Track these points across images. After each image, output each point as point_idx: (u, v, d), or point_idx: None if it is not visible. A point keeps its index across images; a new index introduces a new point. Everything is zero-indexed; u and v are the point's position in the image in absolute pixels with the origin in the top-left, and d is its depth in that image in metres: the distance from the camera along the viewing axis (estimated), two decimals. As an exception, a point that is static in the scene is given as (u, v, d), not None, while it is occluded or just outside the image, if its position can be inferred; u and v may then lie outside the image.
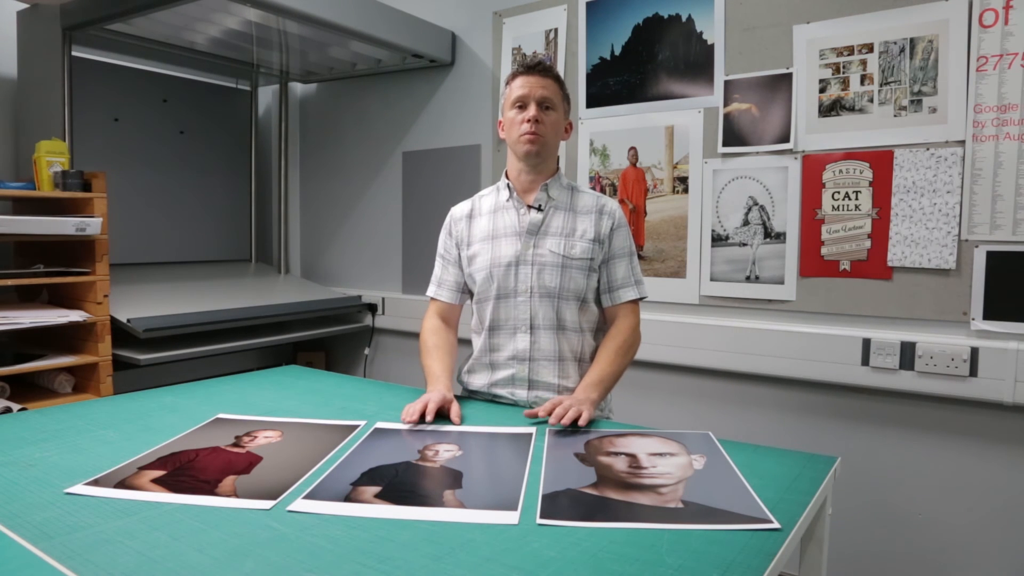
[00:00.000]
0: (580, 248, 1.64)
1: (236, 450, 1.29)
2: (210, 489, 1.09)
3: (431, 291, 1.79)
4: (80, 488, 1.09)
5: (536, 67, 1.63)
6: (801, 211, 2.21)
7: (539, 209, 1.66)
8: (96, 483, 1.11)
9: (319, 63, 3.22)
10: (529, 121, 1.60)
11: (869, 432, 2.15)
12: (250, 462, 1.22)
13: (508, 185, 1.71)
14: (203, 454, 1.26)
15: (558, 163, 1.73)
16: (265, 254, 3.73)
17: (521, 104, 1.62)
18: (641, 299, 1.71)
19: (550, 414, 1.44)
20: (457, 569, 0.84)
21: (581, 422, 1.42)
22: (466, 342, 1.79)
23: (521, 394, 1.65)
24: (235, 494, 1.07)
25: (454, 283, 1.76)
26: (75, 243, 2.49)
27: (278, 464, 1.22)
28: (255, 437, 1.37)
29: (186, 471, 1.18)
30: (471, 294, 1.75)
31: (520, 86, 1.62)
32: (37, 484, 1.10)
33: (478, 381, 1.72)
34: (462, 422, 1.47)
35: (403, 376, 3.25)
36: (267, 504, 1.03)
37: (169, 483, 1.12)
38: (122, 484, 1.11)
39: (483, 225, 1.71)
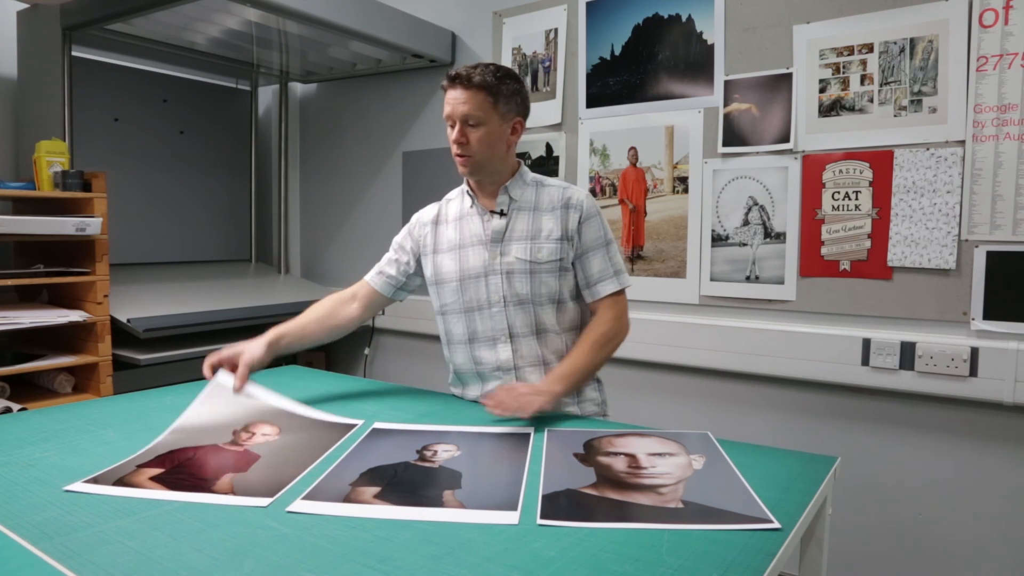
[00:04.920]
0: (547, 251, 1.57)
1: (234, 448, 1.29)
2: (207, 487, 1.10)
3: (367, 276, 1.76)
4: (79, 486, 1.09)
5: (455, 79, 1.52)
6: (801, 211, 2.21)
7: (501, 214, 1.61)
8: (95, 480, 1.12)
9: (319, 63, 3.22)
10: (454, 142, 1.55)
11: (869, 432, 2.15)
12: (248, 460, 1.23)
13: (468, 191, 1.66)
14: (201, 452, 1.26)
15: (517, 162, 1.65)
16: (265, 254, 3.73)
17: (449, 122, 1.55)
18: (623, 289, 1.62)
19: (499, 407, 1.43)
20: (457, 569, 0.84)
21: (523, 415, 1.41)
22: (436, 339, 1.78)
23: None
24: (232, 492, 1.08)
25: (394, 278, 1.73)
26: (75, 243, 2.49)
27: (276, 463, 1.22)
28: (253, 434, 1.37)
29: (184, 469, 1.18)
30: (402, 295, 1.76)
31: (446, 102, 1.54)
32: (37, 484, 1.10)
33: (472, 393, 1.69)
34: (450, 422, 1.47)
35: (403, 376, 3.25)
36: (264, 502, 1.04)
37: (167, 481, 1.12)
38: (121, 482, 1.11)
39: (449, 234, 1.65)
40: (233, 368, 1.55)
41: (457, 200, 1.70)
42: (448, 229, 1.67)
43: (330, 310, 1.74)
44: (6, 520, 0.96)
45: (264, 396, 1.54)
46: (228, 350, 1.56)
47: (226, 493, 1.07)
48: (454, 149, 1.56)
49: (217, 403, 1.48)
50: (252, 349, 1.57)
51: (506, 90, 1.55)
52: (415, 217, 1.75)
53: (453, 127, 1.54)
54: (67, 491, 1.07)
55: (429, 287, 1.71)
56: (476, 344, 1.64)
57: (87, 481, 1.11)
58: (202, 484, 1.11)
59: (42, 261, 2.53)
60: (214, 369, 1.55)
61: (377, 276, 1.76)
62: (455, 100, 1.52)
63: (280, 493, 1.07)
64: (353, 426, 1.44)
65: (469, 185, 1.66)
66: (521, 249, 1.58)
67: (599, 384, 1.71)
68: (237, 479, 1.14)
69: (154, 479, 1.13)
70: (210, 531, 0.94)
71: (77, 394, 2.52)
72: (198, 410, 1.46)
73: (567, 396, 1.57)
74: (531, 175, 1.66)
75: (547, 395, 1.46)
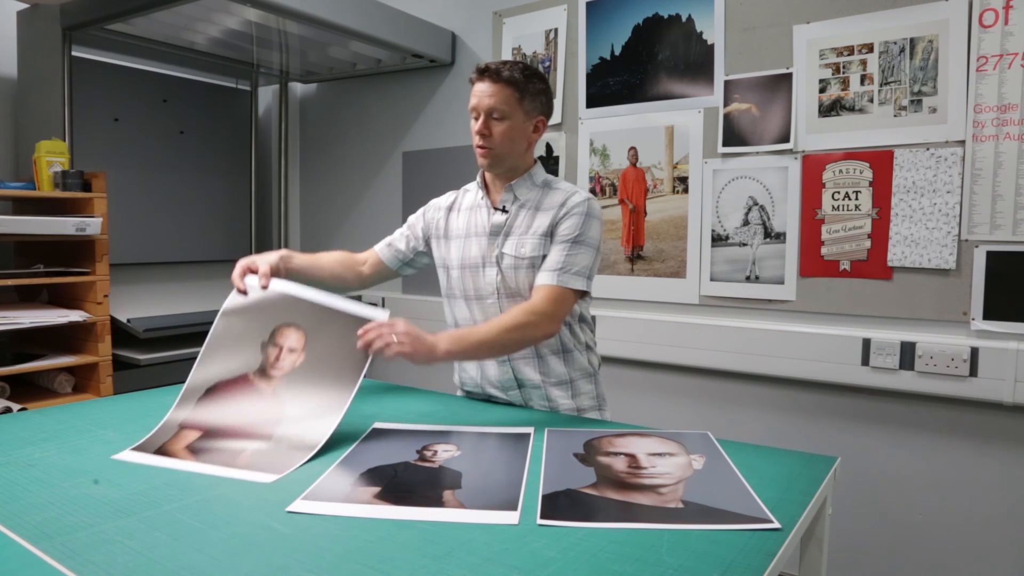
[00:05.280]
0: (530, 246, 1.58)
1: (263, 385, 1.39)
2: (231, 460, 1.21)
3: (376, 246, 1.82)
4: (127, 455, 1.24)
5: (485, 72, 1.55)
6: (801, 211, 2.21)
7: (503, 210, 1.63)
8: (141, 448, 1.27)
9: (319, 63, 3.22)
10: (477, 133, 1.57)
11: (869, 432, 2.15)
12: (276, 413, 1.33)
13: (478, 184, 1.69)
14: (233, 405, 1.37)
15: (534, 161, 1.67)
16: (265, 254, 3.72)
17: (474, 114, 1.58)
18: (566, 289, 1.53)
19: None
20: (457, 569, 0.84)
21: (383, 355, 1.36)
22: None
23: (515, 394, 1.65)
24: (249, 467, 1.19)
25: (402, 253, 1.78)
26: (75, 243, 2.49)
27: (301, 411, 1.33)
28: (280, 348, 1.44)
29: (217, 432, 1.31)
30: (407, 271, 1.80)
31: (473, 93, 1.57)
32: (37, 484, 1.10)
33: (471, 378, 1.70)
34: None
35: (403, 376, 3.25)
36: (269, 478, 1.14)
37: (198, 450, 1.26)
38: (161, 451, 1.26)
39: (461, 223, 1.69)
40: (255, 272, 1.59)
41: (473, 191, 1.73)
42: (459, 218, 1.70)
43: (344, 260, 1.79)
44: (6, 520, 0.96)
45: (288, 289, 1.55)
46: (245, 259, 1.61)
47: (244, 468, 1.18)
48: (476, 140, 1.58)
49: (247, 301, 1.55)
50: (267, 255, 1.62)
51: (532, 88, 1.57)
52: (432, 201, 1.79)
53: (477, 119, 1.57)
54: (114, 459, 1.22)
55: (438, 269, 1.74)
56: None
57: (134, 448, 1.26)
58: (227, 457, 1.23)
59: (42, 261, 2.53)
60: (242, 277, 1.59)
61: (386, 248, 1.81)
62: (482, 92, 1.55)
63: (289, 471, 1.17)
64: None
65: (483, 178, 1.69)
66: (511, 245, 1.61)
67: (595, 378, 1.71)
68: (257, 455, 1.23)
69: (189, 447, 1.27)
70: (210, 531, 0.94)
71: (77, 394, 2.53)
72: (231, 307, 1.54)
73: (448, 360, 1.50)
74: (542, 176, 1.67)
75: (421, 347, 1.40)
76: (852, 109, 2.12)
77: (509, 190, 1.63)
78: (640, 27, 2.51)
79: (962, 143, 1.96)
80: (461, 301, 1.66)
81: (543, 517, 0.99)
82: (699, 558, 0.87)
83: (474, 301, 1.64)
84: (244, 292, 1.56)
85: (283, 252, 1.66)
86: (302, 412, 1.33)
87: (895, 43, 2.05)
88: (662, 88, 2.47)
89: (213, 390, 1.41)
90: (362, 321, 1.42)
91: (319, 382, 1.38)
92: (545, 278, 1.55)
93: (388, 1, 2.81)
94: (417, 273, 1.84)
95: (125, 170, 3.07)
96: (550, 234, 1.58)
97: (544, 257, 1.58)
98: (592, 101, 2.63)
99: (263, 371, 1.42)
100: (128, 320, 2.49)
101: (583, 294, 1.58)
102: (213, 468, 1.18)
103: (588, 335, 1.71)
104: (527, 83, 1.56)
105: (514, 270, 1.60)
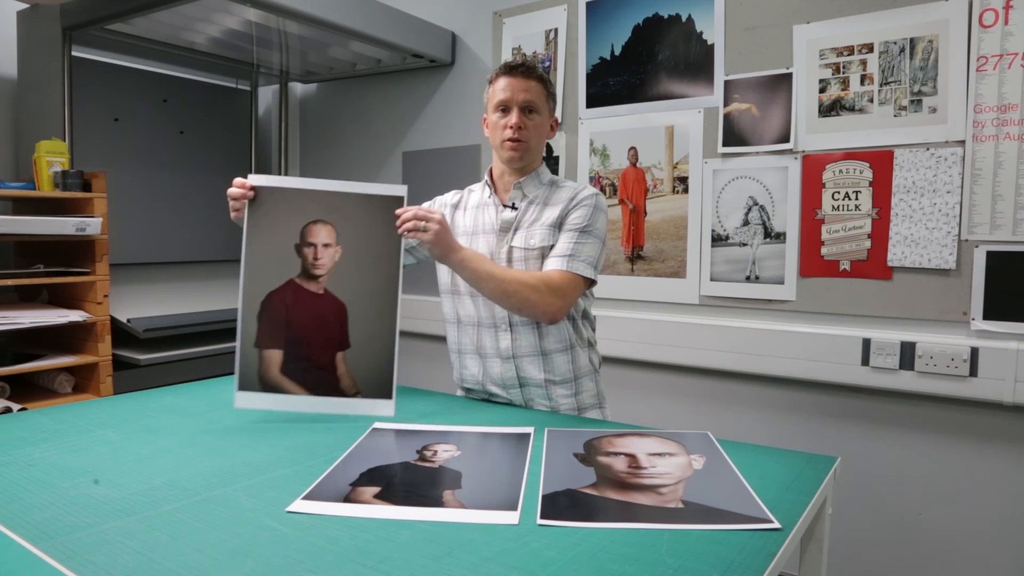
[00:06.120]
0: (539, 236, 1.60)
1: (312, 289, 1.45)
2: (335, 385, 1.42)
3: None
4: (243, 400, 1.42)
5: (518, 68, 1.59)
6: (801, 211, 2.21)
7: (512, 207, 1.65)
8: (245, 387, 1.42)
9: (319, 63, 3.22)
10: (512, 127, 1.58)
11: (869, 432, 2.15)
12: (336, 310, 1.44)
13: (487, 183, 1.71)
14: (292, 311, 1.44)
15: (542, 160, 1.71)
16: (265, 254, 3.72)
17: (504, 108, 1.60)
18: (573, 274, 1.55)
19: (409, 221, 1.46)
20: (457, 569, 0.84)
21: (408, 235, 1.45)
22: (440, 339, 1.79)
23: (516, 393, 1.65)
24: (358, 391, 1.42)
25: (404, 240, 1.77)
26: (75, 243, 2.49)
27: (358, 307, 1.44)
28: (314, 247, 1.46)
29: (299, 349, 1.43)
30: (407, 259, 1.75)
31: (502, 89, 1.60)
32: (37, 484, 1.10)
33: (472, 376, 1.70)
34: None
35: (403, 376, 3.24)
36: (388, 409, 1.42)
37: (294, 373, 1.42)
38: (266, 385, 1.42)
39: (466, 220, 1.71)
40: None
41: (478, 191, 1.75)
42: (466, 216, 1.72)
43: None
44: (6, 520, 0.96)
45: (295, 183, 1.54)
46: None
47: (352, 395, 1.41)
48: (508, 134, 1.59)
49: (264, 209, 1.53)
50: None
51: (552, 90, 1.67)
52: (437, 198, 1.80)
53: (505, 113, 1.60)
54: (238, 408, 1.41)
55: (439, 266, 1.72)
56: (481, 328, 1.67)
57: (241, 390, 1.42)
58: (328, 381, 1.41)
59: (42, 261, 2.53)
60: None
61: None
62: (516, 87, 1.59)
63: (394, 394, 1.45)
64: (400, 198, 1.48)
65: (491, 177, 1.70)
66: (521, 238, 1.63)
67: (596, 375, 1.72)
68: (356, 373, 1.42)
69: (283, 372, 1.41)
70: (210, 531, 0.94)
71: (77, 394, 2.53)
72: (252, 221, 1.53)
73: (457, 266, 1.52)
74: (548, 176, 1.70)
75: (443, 240, 1.47)
76: (852, 109, 2.12)
77: (518, 187, 1.65)
78: (640, 27, 2.51)
79: (962, 143, 1.96)
80: (467, 297, 1.67)
81: (543, 517, 0.99)
82: (699, 558, 0.87)
83: (480, 298, 1.64)
84: (253, 189, 1.55)
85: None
86: (362, 306, 1.44)
87: (895, 43, 2.05)
88: (662, 88, 2.47)
89: (268, 302, 1.44)
90: (384, 201, 1.47)
91: (364, 271, 1.44)
92: (555, 263, 1.57)
93: (388, 1, 2.81)
94: (416, 264, 1.78)
95: (125, 170, 3.07)
96: (559, 225, 1.60)
97: (552, 247, 1.60)
98: (592, 101, 2.63)
99: (306, 272, 1.45)
100: (128, 320, 2.49)
101: (590, 284, 1.60)
102: (331, 403, 1.38)
103: (590, 332, 1.72)
104: (548, 84, 1.65)
105: (524, 262, 1.61)
